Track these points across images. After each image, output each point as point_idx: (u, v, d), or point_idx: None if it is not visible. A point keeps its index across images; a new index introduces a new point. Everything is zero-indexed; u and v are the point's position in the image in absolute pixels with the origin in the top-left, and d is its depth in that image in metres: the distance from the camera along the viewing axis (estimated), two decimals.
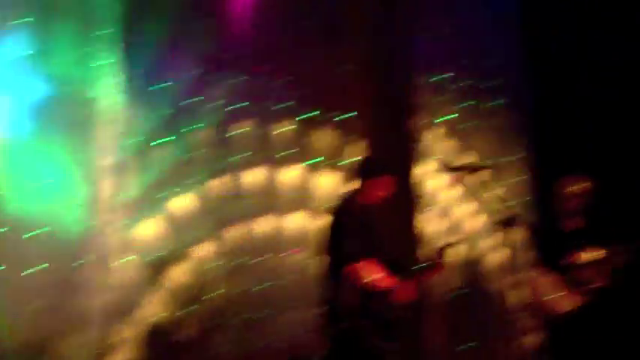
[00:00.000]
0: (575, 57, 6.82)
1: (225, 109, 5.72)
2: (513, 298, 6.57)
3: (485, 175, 4.60)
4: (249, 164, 5.86)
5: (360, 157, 5.34)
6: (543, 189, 6.72)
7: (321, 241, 4.66)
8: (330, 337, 4.56)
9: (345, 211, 4.66)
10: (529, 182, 7.11)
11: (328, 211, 4.75)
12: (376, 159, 5.08)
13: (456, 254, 4.87)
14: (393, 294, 4.56)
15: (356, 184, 4.78)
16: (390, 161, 5.00)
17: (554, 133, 6.97)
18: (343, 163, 6.22)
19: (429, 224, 6.57)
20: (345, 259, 4.48)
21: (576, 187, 5.70)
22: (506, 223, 4.37)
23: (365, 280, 4.45)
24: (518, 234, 4.47)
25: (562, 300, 5.57)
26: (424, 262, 4.86)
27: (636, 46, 6.59)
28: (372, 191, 4.72)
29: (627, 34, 6.62)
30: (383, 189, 4.74)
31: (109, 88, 5.07)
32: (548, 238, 5.62)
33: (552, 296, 5.56)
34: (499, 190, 4.42)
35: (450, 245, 4.78)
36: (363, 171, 4.81)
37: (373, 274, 4.49)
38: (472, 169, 4.57)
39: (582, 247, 5.61)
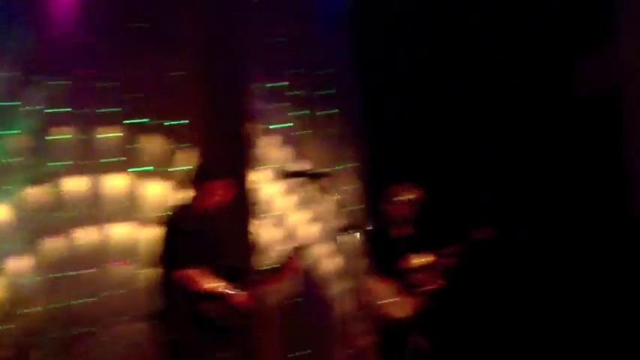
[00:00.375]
0: (404, 67, 6.93)
1: (45, 114, 5.42)
2: (347, 304, 6.65)
3: (321, 182, 4.57)
4: (71, 172, 5.57)
5: (193, 164, 5.24)
6: (375, 197, 6.81)
7: (153, 250, 4.55)
8: (163, 349, 4.43)
9: (179, 218, 4.57)
10: (362, 190, 7.17)
11: (161, 219, 4.64)
12: (210, 165, 4.98)
13: (298, 262, 4.82)
14: (229, 300, 4.47)
15: (190, 191, 4.70)
16: (224, 167, 4.92)
17: (384, 141, 7.06)
18: (174, 170, 6.05)
19: (265, 231, 6.49)
20: (179, 267, 4.37)
21: (404, 195, 5.80)
22: (342, 230, 4.35)
23: (199, 287, 4.35)
24: (353, 241, 4.45)
25: (397, 305, 5.63)
26: (265, 270, 4.84)
27: (464, 56, 6.76)
28: (207, 197, 4.65)
29: (457, 45, 6.78)
30: (217, 194, 4.67)
31: None
32: (380, 244, 5.66)
33: (387, 301, 5.61)
34: (334, 198, 4.36)
35: (293, 253, 4.76)
36: (197, 177, 4.74)
37: (207, 280, 4.39)
38: (309, 175, 4.53)
39: (413, 253, 5.71)
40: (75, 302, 5.46)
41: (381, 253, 5.63)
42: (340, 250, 6.48)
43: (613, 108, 6.37)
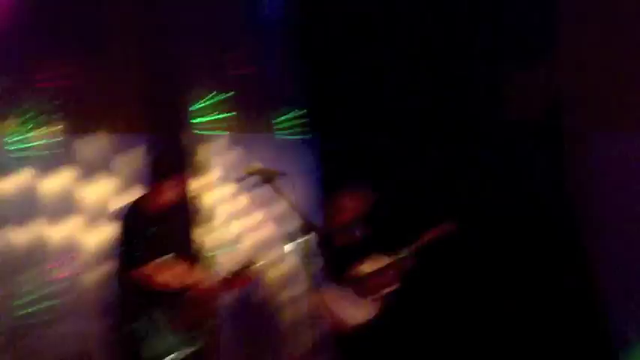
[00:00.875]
0: (354, 70, 6.94)
1: None
2: (296, 311, 6.56)
3: (276, 182, 4.53)
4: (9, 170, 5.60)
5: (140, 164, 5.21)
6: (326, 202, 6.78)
7: (105, 248, 4.51)
8: (116, 344, 4.41)
9: (134, 216, 4.53)
10: (315, 195, 7.14)
11: (116, 216, 4.61)
12: (165, 161, 4.91)
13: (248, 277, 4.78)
14: (192, 292, 4.46)
15: (143, 189, 4.72)
16: (177, 163, 4.94)
17: (336, 145, 7.05)
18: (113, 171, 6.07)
19: (213, 234, 6.45)
20: (136, 264, 4.34)
21: (349, 200, 5.73)
22: (293, 235, 4.31)
23: (156, 283, 4.32)
24: (306, 246, 4.40)
25: (352, 311, 5.53)
26: (232, 271, 4.74)
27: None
28: (163, 193, 4.62)
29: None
30: (174, 190, 4.66)
31: None
32: (330, 251, 5.59)
33: (341, 308, 5.51)
34: (288, 199, 4.33)
35: (243, 266, 4.71)
36: (153, 173, 4.71)
37: (164, 274, 4.36)
38: (265, 175, 4.50)
39: (366, 257, 5.64)
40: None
41: (332, 259, 5.56)
42: (291, 255, 6.43)
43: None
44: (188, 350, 4.36)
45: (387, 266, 5.61)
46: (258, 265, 4.82)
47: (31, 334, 5.45)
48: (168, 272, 4.37)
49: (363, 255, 5.64)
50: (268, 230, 6.80)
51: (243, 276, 4.70)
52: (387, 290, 5.59)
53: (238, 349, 6.38)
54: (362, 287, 5.54)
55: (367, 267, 5.60)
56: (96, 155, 5.99)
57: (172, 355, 4.28)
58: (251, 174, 4.54)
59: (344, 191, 5.81)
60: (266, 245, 6.68)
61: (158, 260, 4.37)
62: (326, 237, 5.64)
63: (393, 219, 6.15)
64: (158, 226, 4.53)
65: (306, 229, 4.24)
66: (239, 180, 4.61)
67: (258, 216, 6.79)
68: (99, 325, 5.41)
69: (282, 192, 4.38)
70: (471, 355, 6.44)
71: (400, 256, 5.63)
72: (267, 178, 4.42)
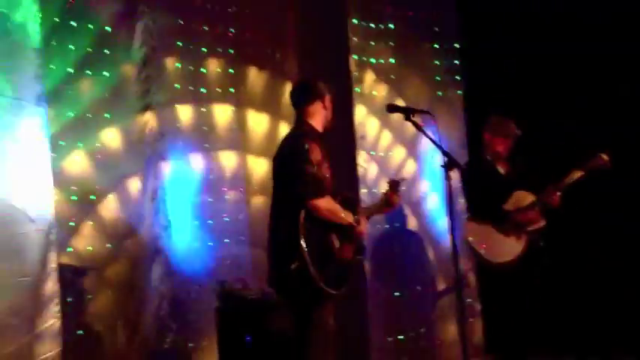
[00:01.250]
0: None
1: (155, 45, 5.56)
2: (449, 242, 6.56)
3: (420, 119, 4.45)
4: (179, 100, 5.70)
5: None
6: (475, 133, 6.75)
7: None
8: (279, 278, 4.28)
9: (305, 142, 4.24)
10: (463, 128, 7.12)
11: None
12: (315, 80, 4.55)
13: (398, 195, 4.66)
14: (354, 232, 4.35)
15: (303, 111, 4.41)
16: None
17: (485, 78, 7.00)
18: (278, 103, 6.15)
19: (368, 165, 6.51)
20: (314, 194, 4.14)
21: (507, 126, 5.67)
22: (442, 167, 4.24)
23: (335, 217, 4.22)
24: (453, 178, 4.36)
25: (500, 246, 5.46)
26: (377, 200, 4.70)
27: None
28: (321, 114, 4.39)
29: None
30: (329, 109, 4.43)
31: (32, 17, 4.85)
32: (478, 186, 5.54)
33: (486, 244, 5.47)
34: (430, 137, 4.29)
35: (399, 183, 4.60)
36: (305, 94, 4.41)
37: (342, 211, 4.27)
38: (409, 111, 4.37)
39: (512, 193, 5.55)
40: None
41: (477, 194, 5.51)
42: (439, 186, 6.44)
43: None
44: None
45: (533, 203, 5.52)
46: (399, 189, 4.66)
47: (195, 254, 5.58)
48: (340, 209, 4.27)
49: (509, 191, 5.56)
50: (415, 164, 6.82)
51: (388, 201, 4.58)
52: (532, 228, 5.51)
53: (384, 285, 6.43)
54: (507, 224, 5.47)
55: (512, 203, 5.53)
56: (260, 87, 6.08)
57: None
58: (393, 111, 4.47)
59: (500, 117, 5.70)
60: (409, 182, 6.70)
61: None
62: (471, 172, 5.63)
63: (541, 155, 6.09)
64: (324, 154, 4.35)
65: (448, 165, 4.10)
66: (389, 112, 4.50)
67: (404, 149, 6.81)
68: (256, 251, 5.64)
69: (424, 129, 4.26)
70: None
71: (547, 193, 5.51)
72: (409, 115, 4.30)
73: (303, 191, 4.12)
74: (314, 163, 4.17)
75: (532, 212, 5.50)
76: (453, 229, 4.01)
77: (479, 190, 5.52)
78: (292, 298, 4.30)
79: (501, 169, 5.69)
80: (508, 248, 5.46)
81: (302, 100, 4.43)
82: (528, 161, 5.76)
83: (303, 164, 4.14)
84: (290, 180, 4.18)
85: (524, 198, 5.56)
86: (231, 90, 5.92)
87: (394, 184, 4.60)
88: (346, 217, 4.28)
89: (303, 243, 4.05)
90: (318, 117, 4.41)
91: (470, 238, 5.50)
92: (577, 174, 5.48)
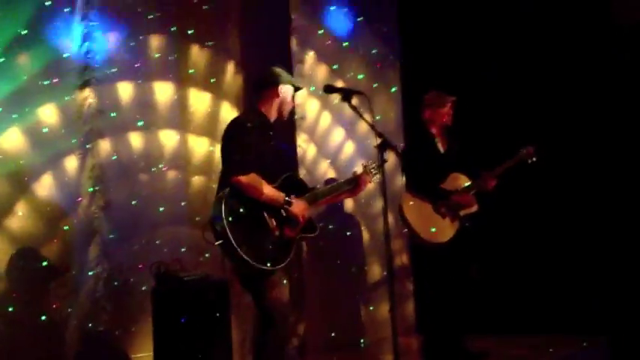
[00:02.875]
0: None
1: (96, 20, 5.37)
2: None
3: (357, 100, 4.43)
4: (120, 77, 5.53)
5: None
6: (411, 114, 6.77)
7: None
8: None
9: (247, 122, 4.37)
10: (398, 108, 7.13)
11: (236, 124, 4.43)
12: (272, 68, 4.58)
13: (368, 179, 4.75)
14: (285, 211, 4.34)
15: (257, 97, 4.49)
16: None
17: (422, 62, 7.00)
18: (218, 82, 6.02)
19: (307, 146, 6.47)
20: (244, 169, 4.20)
21: (444, 100, 5.62)
22: (379, 148, 4.21)
23: (259, 193, 4.23)
24: (390, 159, 4.34)
25: (436, 226, 5.48)
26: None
27: None
28: (273, 102, 4.46)
29: None
30: (284, 98, 4.49)
31: None
32: (415, 166, 5.53)
33: (421, 222, 5.49)
34: (365, 119, 4.25)
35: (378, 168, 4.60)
36: (259, 81, 4.52)
37: (267, 188, 4.27)
38: (346, 92, 4.36)
39: (448, 175, 5.59)
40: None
41: (424, 166, 5.48)
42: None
43: None
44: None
45: (469, 187, 5.59)
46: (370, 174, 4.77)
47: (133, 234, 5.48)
48: (268, 187, 4.28)
49: (447, 171, 5.60)
50: (350, 148, 6.81)
51: (358, 184, 4.70)
52: (465, 211, 5.57)
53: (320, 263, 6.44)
54: (442, 204, 5.51)
55: (448, 184, 5.57)
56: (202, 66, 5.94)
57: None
58: (330, 92, 4.48)
59: (437, 91, 5.69)
60: (348, 163, 6.69)
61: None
62: (412, 149, 5.68)
63: (477, 141, 6.12)
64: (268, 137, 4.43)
65: (383, 147, 4.09)
66: (326, 92, 4.49)
67: (340, 132, 6.78)
68: (193, 232, 5.56)
69: (360, 111, 4.27)
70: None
71: (482, 179, 5.59)
72: (346, 96, 4.31)
73: (227, 170, 4.26)
74: (243, 146, 4.24)
75: (469, 196, 5.57)
76: (386, 210, 4.00)
77: (419, 168, 5.51)
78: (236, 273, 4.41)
79: (441, 147, 5.68)
80: (443, 229, 5.50)
81: (255, 86, 4.58)
82: (466, 145, 5.80)
83: (232, 146, 4.28)
84: (222, 162, 4.36)
85: (460, 180, 5.62)
86: (173, 68, 5.76)
87: (370, 169, 4.67)
88: (273, 195, 4.26)
89: (224, 220, 4.09)
90: (269, 104, 4.49)
91: (407, 215, 5.49)
92: (509, 163, 5.61)
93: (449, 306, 5.47)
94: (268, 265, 4.21)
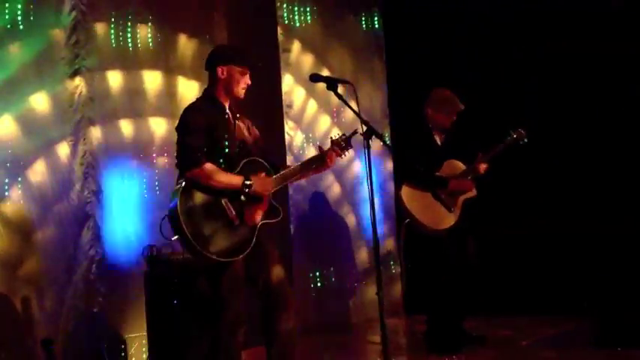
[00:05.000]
0: None
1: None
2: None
3: (343, 89, 4.41)
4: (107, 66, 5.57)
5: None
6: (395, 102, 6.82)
7: None
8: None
9: (186, 113, 4.21)
10: (383, 96, 7.19)
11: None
12: (221, 46, 4.51)
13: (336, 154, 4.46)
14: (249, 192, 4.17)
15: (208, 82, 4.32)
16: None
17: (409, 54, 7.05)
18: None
19: (294, 134, 6.52)
20: (184, 165, 4.09)
21: (451, 100, 5.59)
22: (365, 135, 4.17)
23: (216, 181, 4.08)
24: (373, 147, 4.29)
25: (434, 214, 5.48)
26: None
27: None
28: (222, 81, 4.24)
29: None
30: (235, 77, 4.24)
31: None
32: (421, 149, 5.51)
33: (424, 210, 5.47)
34: (351, 107, 4.22)
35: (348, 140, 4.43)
36: (208, 60, 4.30)
37: (224, 174, 4.12)
38: (332, 81, 4.27)
39: (444, 162, 5.58)
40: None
41: (421, 156, 5.48)
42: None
43: None
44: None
45: (465, 171, 5.60)
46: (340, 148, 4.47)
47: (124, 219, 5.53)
48: (223, 174, 4.13)
49: (442, 159, 5.61)
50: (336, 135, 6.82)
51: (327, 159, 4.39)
52: (465, 197, 5.58)
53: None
54: (441, 191, 5.51)
55: (445, 172, 5.57)
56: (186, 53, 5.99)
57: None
58: (317, 80, 4.31)
59: (443, 89, 5.63)
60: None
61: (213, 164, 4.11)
62: (419, 136, 5.63)
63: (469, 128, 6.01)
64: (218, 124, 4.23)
65: (368, 134, 3.99)
66: (312, 81, 4.30)
67: (325, 119, 6.83)
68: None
69: (345, 99, 4.15)
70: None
71: (476, 162, 5.59)
72: (331, 85, 4.19)
73: (179, 163, 4.15)
74: (191, 132, 4.11)
75: (466, 181, 5.57)
76: (372, 195, 4.00)
77: (416, 158, 5.49)
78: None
79: (438, 139, 5.69)
80: (445, 216, 5.51)
81: (206, 65, 4.35)
82: (461, 134, 5.77)
83: (180, 136, 4.16)
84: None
85: (456, 167, 5.63)
86: (161, 56, 5.81)
87: (340, 142, 4.44)
88: (230, 181, 4.12)
89: (180, 215, 3.98)
90: (216, 87, 4.28)
91: (408, 205, 5.47)
92: (499, 147, 5.62)
93: (449, 288, 5.48)
94: (229, 256, 4.09)
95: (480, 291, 6.14)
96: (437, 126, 5.65)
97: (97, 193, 5.35)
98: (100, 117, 5.46)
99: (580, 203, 6.46)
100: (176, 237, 4.05)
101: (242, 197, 4.14)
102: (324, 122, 6.82)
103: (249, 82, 4.31)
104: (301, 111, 6.65)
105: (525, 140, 5.68)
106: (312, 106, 6.74)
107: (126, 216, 5.50)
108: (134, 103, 5.66)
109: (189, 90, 5.95)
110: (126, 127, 5.62)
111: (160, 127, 5.79)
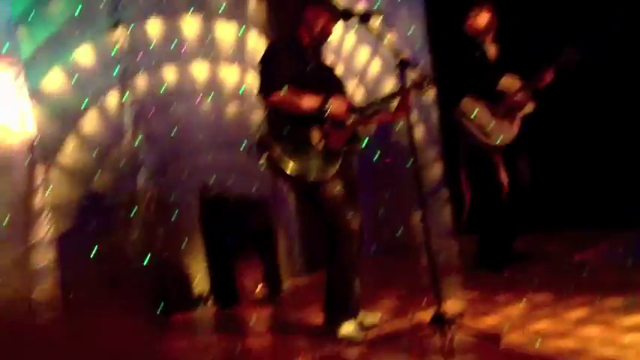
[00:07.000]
0: None
1: None
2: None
3: (374, 21, 4.27)
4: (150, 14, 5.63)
5: None
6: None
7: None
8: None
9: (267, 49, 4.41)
10: (422, 26, 7.08)
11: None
12: None
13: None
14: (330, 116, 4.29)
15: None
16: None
17: None
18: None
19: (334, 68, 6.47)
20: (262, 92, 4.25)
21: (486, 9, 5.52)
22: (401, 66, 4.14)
23: (297, 106, 4.19)
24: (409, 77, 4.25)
25: (494, 128, 5.43)
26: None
27: None
28: (304, 25, 4.39)
29: None
30: (312, 22, 4.38)
31: None
32: (473, 63, 5.43)
33: (483, 125, 5.43)
34: (384, 39, 4.16)
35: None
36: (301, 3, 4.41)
37: (306, 98, 4.23)
38: (364, 15, 4.20)
39: (505, 74, 5.46)
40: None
41: (477, 71, 5.42)
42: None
43: None
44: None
45: (522, 87, 5.45)
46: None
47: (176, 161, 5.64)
48: (303, 95, 4.21)
49: (497, 74, 5.48)
50: (376, 66, 6.82)
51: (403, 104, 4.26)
52: (523, 112, 5.48)
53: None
54: (501, 106, 5.44)
55: (503, 85, 5.46)
56: None
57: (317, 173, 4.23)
58: (348, 17, 4.27)
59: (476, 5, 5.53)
60: (375, 80, 6.72)
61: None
62: (463, 55, 5.54)
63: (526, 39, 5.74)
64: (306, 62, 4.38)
65: (404, 64, 3.94)
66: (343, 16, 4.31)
67: (365, 51, 6.78)
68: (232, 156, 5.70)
69: (378, 32, 4.15)
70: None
71: (538, 75, 5.38)
72: (364, 19, 4.16)
73: (259, 91, 4.28)
74: (271, 67, 4.25)
75: (523, 95, 5.44)
76: (410, 127, 3.98)
77: (472, 72, 5.45)
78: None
79: (490, 53, 5.57)
80: (503, 131, 5.45)
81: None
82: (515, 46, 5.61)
83: (260, 67, 4.32)
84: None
85: (513, 81, 5.50)
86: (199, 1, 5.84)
87: (422, 82, 4.34)
88: (310, 101, 4.21)
89: (266, 141, 4.17)
90: (301, 27, 4.43)
91: (465, 120, 5.46)
92: (557, 63, 5.36)
93: (501, 207, 5.47)
94: (314, 177, 4.21)
95: (534, 208, 6.11)
96: (480, 32, 5.52)
97: (148, 139, 5.45)
98: (143, 65, 5.52)
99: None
100: (262, 161, 4.18)
101: (325, 119, 4.24)
102: (364, 54, 6.78)
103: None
104: (339, 44, 6.61)
105: (579, 58, 5.34)
106: (350, 37, 6.69)
107: (177, 158, 5.61)
108: (175, 50, 5.70)
109: (227, 32, 5.98)
110: (169, 73, 5.68)
111: (201, 71, 5.84)
